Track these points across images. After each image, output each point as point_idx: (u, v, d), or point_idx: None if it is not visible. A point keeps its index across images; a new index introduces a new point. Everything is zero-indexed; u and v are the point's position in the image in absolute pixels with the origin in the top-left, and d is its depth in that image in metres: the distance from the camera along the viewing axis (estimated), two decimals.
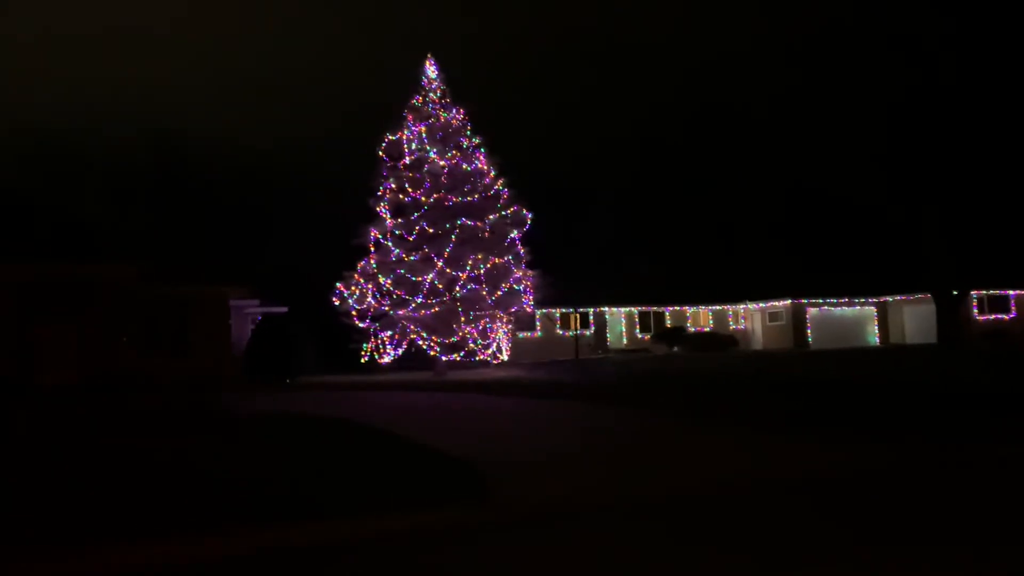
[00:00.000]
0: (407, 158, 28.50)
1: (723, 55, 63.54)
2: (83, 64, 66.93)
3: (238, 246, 42.60)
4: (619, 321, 43.76)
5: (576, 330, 42.76)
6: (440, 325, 27.27)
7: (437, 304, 27.09)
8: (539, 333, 41.72)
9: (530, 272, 29.11)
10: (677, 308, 44.69)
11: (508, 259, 28.02)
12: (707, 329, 44.89)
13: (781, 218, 48.79)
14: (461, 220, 27.54)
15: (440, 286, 27.10)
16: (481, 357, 29.07)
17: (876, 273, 44.02)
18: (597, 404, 15.18)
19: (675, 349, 42.35)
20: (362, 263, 27.58)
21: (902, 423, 11.71)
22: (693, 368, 25.61)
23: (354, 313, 27.67)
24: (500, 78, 67.07)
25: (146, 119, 58.11)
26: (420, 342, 27.29)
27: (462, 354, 28.55)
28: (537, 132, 62.62)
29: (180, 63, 70.39)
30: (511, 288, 28.17)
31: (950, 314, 39.40)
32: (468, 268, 27.01)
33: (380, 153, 28.63)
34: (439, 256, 26.98)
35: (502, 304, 27.95)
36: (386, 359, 28.16)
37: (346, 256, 28.15)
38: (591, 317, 43.08)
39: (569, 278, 44.79)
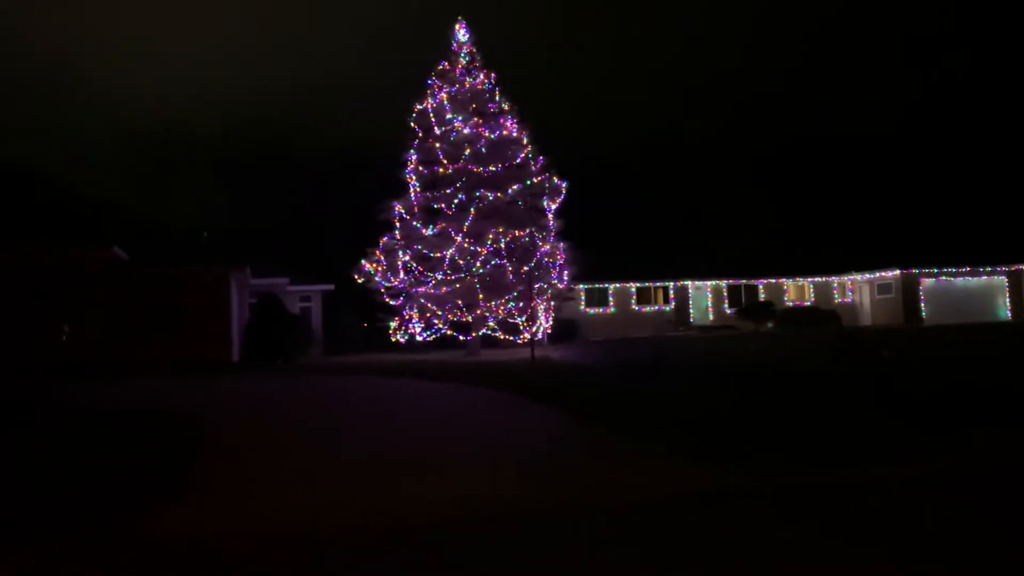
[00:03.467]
0: (434, 128, 27.20)
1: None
2: None
3: (269, 225, 43.33)
4: (704, 295, 40.67)
5: (657, 305, 40.26)
6: (461, 302, 25.93)
7: (457, 280, 25.76)
8: (612, 309, 39.51)
9: (561, 245, 27.13)
10: (771, 280, 40.95)
11: (532, 231, 26.16)
12: (806, 304, 40.89)
13: (889, 176, 43.57)
14: (480, 191, 25.99)
15: (461, 261, 25.73)
16: (524, 336, 27.52)
17: (1006, 236, 38.34)
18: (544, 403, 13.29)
19: (770, 325, 38.85)
20: (385, 239, 26.68)
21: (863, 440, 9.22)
22: (755, 351, 22.59)
23: (383, 291, 26.90)
24: (555, 44, 64.12)
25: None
26: (436, 321, 26.08)
27: (494, 332, 27.15)
28: (612, 97, 59.37)
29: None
30: (539, 263, 26.34)
31: None
32: (489, 243, 25.45)
33: (412, 124, 27.49)
34: (458, 230, 25.60)
35: (528, 280, 26.18)
36: (418, 338, 27.19)
37: (375, 232, 27.40)
38: (672, 291, 40.28)
39: (643, 249, 42.26)
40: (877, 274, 39.97)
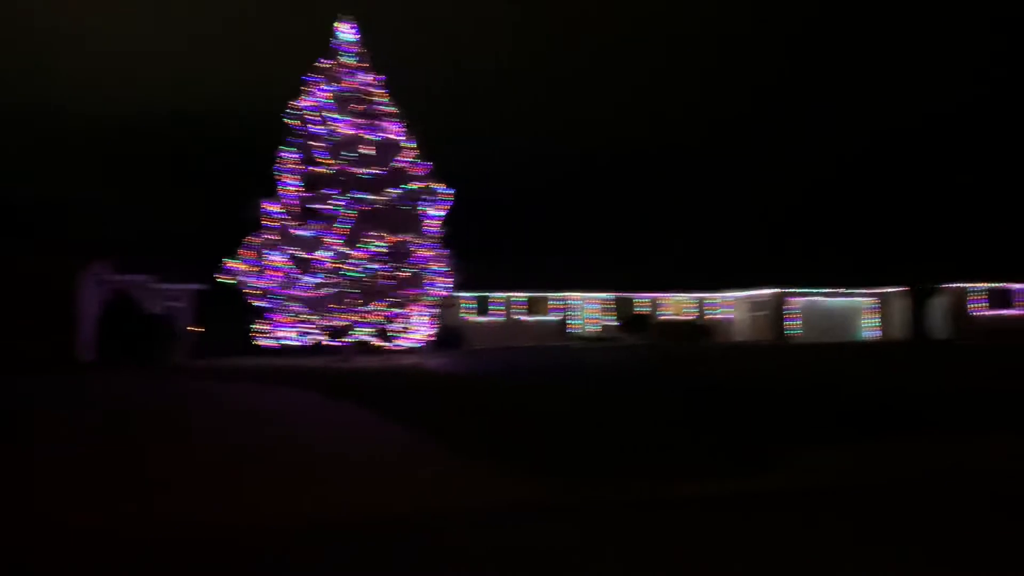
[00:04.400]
0: (309, 127, 26.38)
1: (678, 37, 59.88)
2: None
3: (147, 221, 41.47)
4: (586, 308, 41.09)
5: (543, 316, 40.43)
6: (330, 307, 25.16)
7: (331, 284, 25.01)
8: (499, 318, 39.41)
9: (442, 252, 26.79)
10: (653, 295, 41.79)
11: (411, 237, 25.72)
12: (685, 318, 41.93)
13: (770, 203, 45.44)
14: (358, 193, 25.37)
15: (335, 265, 25.00)
16: (404, 343, 26.94)
17: (874, 262, 40.45)
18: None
19: (646, 338, 39.63)
20: (254, 237, 25.64)
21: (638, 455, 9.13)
22: (598, 362, 22.97)
23: (253, 292, 25.84)
24: (461, 53, 64.06)
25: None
26: (304, 326, 25.23)
27: (372, 338, 26.48)
28: (499, 114, 59.75)
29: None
30: (418, 270, 25.91)
31: (952, 309, 35.78)
32: (365, 246, 24.84)
33: (286, 121, 26.56)
34: (332, 232, 24.87)
35: (406, 286, 25.72)
36: (291, 342, 26.20)
37: (245, 232, 26.27)
38: (557, 303, 40.52)
39: (531, 260, 42.44)
40: (753, 292, 41.39)
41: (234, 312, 28.89)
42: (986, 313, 38.87)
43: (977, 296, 38.99)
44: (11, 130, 50.65)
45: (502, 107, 65.34)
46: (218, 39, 64.04)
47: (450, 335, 36.14)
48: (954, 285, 38.57)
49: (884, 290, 41.04)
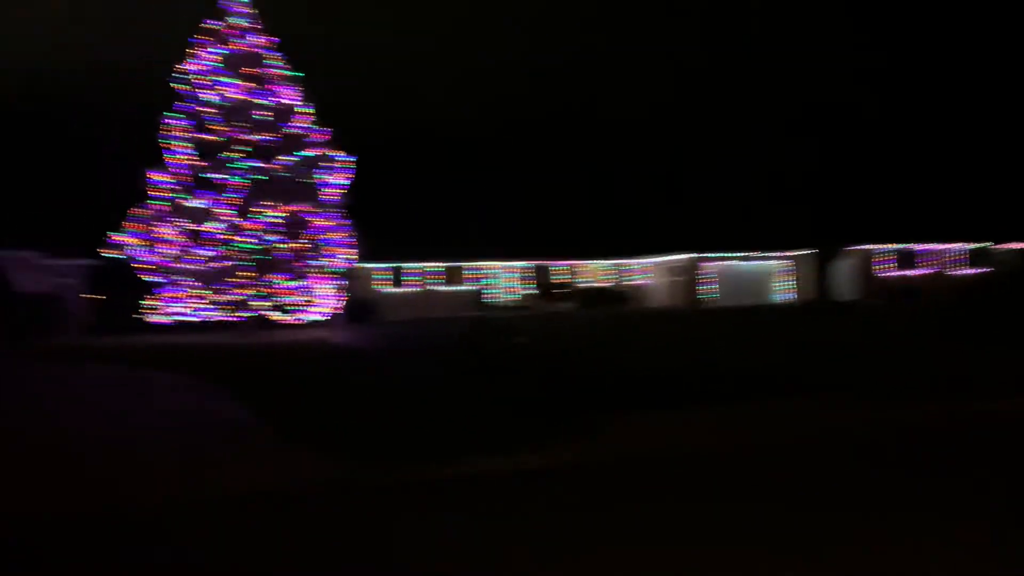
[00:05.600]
0: (200, 92, 25.12)
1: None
2: None
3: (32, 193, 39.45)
4: (503, 276, 40.72)
5: (460, 285, 39.92)
6: (224, 281, 24.20)
7: (224, 256, 24.02)
8: (413, 289, 38.75)
9: (342, 222, 25.98)
10: (572, 262, 41.64)
11: (308, 207, 24.84)
12: (603, 285, 41.96)
13: (687, 167, 45.59)
14: (248, 161, 24.34)
15: (227, 236, 23.99)
16: (307, 317, 26.11)
17: (787, 226, 40.92)
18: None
19: (568, 305, 39.56)
20: (140, 209, 24.41)
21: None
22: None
23: (140, 267, 24.68)
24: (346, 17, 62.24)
25: None
26: (200, 300, 24.24)
27: (272, 313, 25.59)
28: (393, 78, 58.45)
29: None
30: (316, 241, 25.06)
31: (859, 271, 36.50)
32: (258, 216, 23.88)
33: (172, 86, 25.24)
34: (224, 203, 23.83)
35: (304, 258, 24.88)
36: (186, 317, 25.14)
37: (132, 203, 24.99)
38: (473, 272, 40.03)
39: (446, 228, 41.80)
40: (670, 257, 41.59)
41: (127, 288, 27.65)
42: (892, 274, 39.84)
43: (883, 257, 39.88)
44: None
45: (412, 67, 63.94)
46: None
47: (362, 307, 35.39)
48: (861, 247, 39.39)
49: (795, 253, 41.70)
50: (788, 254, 41.81)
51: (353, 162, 26.38)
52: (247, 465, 7.29)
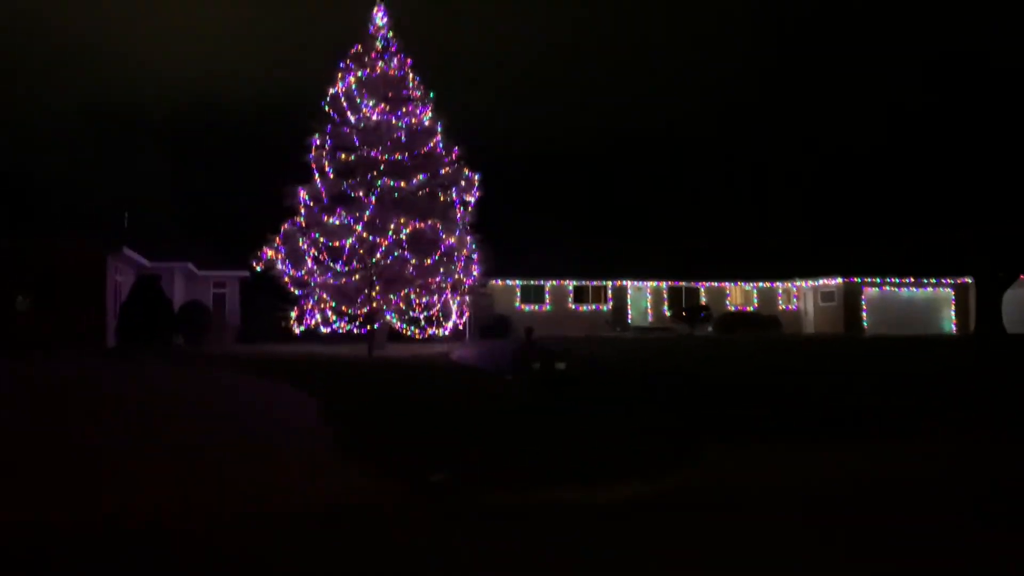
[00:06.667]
0: (347, 113, 26.33)
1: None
2: None
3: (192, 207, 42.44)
4: (643, 296, 39.86)
5: (595, 304, 39.43)
6: (366, 294, 25.07)
7: (356, 271, 24.93)
8: (548, 307, 38.70)
9: (469, 239, 26.30)
10: (713, 284, 40.18)
11: (437, 223, 25.33)
12: (748, 309, 40.18)
13: (836, 186, 42.90)
14: (385, 181, 25.14)
15: (361, 251, 24.91)
16: (437, 332, 26.67)
17: (953, 249, 37.54)
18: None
19: (709, 330, 38.19)
20: (286, 225, 25.80)
21: None
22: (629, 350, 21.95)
23: (286, 280, 26.08)
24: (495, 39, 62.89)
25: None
26: (332, 313, 25.23)
27: (400, 327, 26.31)
28: (549, 99, 58.23)
29: None
30: (445, 258, 25.51)
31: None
32: (391, 233, 24.62)
33: (326, 108, 26.62)
34: (359, 219, 24.75)
35: (433, 274, 25.39)
36: (322, 329, 26.32)
37: (281, 220, 26.51)
38: (610, 291, 39.46)
39: (583, 247, 41.42)
40: (821, 281, 39.25)
41: (273, 299, 29.35)
42: None
43: None
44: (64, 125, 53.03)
45: (544, 87, 64.44)
46: (253, 23, 65.46)
47: (497, 323, 35.74)
48: None
49: (957, 280, 38.30)
50: (949, 281, 38.52)
51: (478, 180, 26.71)
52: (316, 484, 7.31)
